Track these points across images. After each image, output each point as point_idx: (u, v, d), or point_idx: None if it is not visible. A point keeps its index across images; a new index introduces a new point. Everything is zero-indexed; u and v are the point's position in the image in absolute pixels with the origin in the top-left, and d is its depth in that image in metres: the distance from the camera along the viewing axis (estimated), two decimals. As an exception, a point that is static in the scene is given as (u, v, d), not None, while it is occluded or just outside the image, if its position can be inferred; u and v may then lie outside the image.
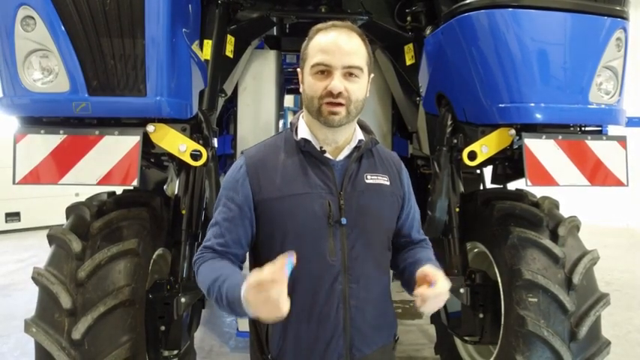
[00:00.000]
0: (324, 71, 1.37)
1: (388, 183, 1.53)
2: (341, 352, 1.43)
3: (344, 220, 1.42)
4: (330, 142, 1.47)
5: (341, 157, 1.49)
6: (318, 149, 1.46)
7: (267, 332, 1.47)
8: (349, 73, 1.37)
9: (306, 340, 1.39)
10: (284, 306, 1.14)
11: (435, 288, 1.31)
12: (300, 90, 1.47)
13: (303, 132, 1.48)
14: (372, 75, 1.49)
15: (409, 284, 1.49)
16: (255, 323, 1.54)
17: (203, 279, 1.40)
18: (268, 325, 1.46)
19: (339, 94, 1.35)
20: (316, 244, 1.41)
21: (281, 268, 1.13)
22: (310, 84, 1.39)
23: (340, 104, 1.36)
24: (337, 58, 1.35)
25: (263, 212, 1.44)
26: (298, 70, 1.49)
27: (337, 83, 1.35)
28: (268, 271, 1.13)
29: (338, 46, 1.36)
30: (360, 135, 1.52)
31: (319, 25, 1.44)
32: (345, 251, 1.42)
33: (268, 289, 1.12)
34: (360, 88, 1.40)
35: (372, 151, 1.56)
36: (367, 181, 1.49)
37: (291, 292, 1.38)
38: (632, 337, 4.34)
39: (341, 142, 1.48)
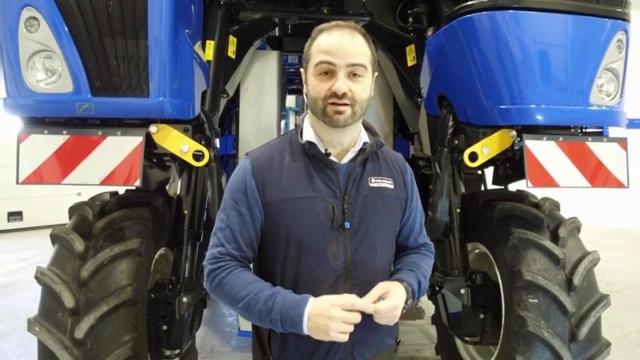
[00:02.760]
0: (328, 71, 1.37)
1: (392, 186, 1.53)
2: (342, 356, 1.44)
3: (347, 225, 1.43)
4: (335, 143, 1.47)
5: (346, 159, 1.48)
6: (323, 152, 1.46)
7: (270, 334, 1.48)
8: (353, 72, 1.36)
9: (307, 342, 1.40)
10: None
11: (379, 304, 1.35)
12: (304, 91, 1.47)
13: (308, 134, 1.47)
14: (377, 74, 1.49)
15: None
16: (258, 325, 1.55)
17: (236, 290, 1.37)
18: None
19: (344, 95, 1.35)
20: (319, 247, 1.42)
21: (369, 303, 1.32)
22: (314, 85, 1.39)
23: (345, 104, 1.36)
24: (341, 58, 1.35)
25: (267, 214, 1.44)
26: (301, 70, 1.48)
27: (341, 84, 1.34)
28: (359, 303, 1.31)
29: (341, 46, 1.35)
30: (365, 137, 1.52)
31: (322, 26, 1.43)
32: (348, 255, 1.43)
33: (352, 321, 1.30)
34: (364, 88, 1.40)
35: (378, 153, 1.56)
36: (371, 185, 1.49)
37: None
38: (633, 339, 4.35)
39: (346, 143, 1.48)
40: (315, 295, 1.34)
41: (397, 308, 1.37)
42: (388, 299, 1.36)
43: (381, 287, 1.38)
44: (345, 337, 1.30)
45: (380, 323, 1.37)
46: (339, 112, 1.37)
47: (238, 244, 1.44)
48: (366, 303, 1.33)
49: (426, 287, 1.55)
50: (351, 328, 1.30)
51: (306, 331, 1.31)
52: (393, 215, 1.54)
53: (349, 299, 1.31)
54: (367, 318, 1.45)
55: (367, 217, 1.46)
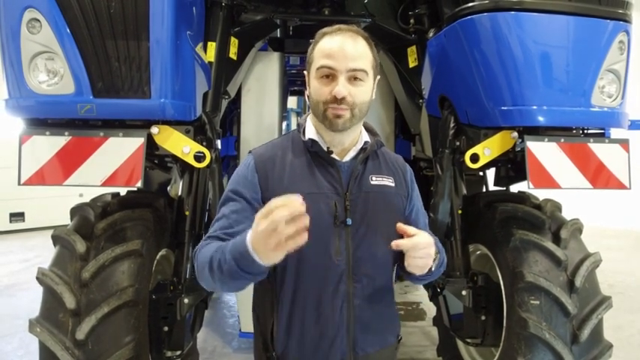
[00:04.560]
0: (329, 75, 1.38)
1: (393, 184, 1.55)
2: (344, 351, 1.44)
3: (349, 221, 1.44)
4: (337, 143, 1.49)
5: (347, 158, 1.50)
6: (325, 150, 1.48)
7: (272, 330, 1.48)
8: (354, 76, 1.38)
9: (310, 338, 1.40)
10: (303, 227, 1.11)
11: (412, 239, 1.32)
12: (306, 93, 1.49)
13: (311, 133, 1.50)
14: (378, 77, 1.50)
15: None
16: (259, 322, 1.55)
17: (203, 258, 1.35)
18: (273, 323, 1.48)
19: (343, 99, 1.36)
20: (321, 243, 1.42)
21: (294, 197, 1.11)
22: (316, 88, 1.41)
23: (344, 108, 1.38)
24: (342, 62, 1.37)
25: None
26: (305, 72, 1.50)
27: (341, 88, 1.36)
28: (278, 198, 1.11)
29: (343, 50, 1.37)
30: (365, 137, 1.54)
31: (325, 29, 1.45)
32: (350, 251, 1.44)
33: (282, 212, 1.08)
34: (364, 92, 1.41)
35: (378, 153, 1.57)
36: (373, 183, 1.50)
37: (296, 291, 1.42)
38: (635, 340, 4.34)
39: (347, 143, 1.50)
40: (318, 291, 1.35)
41: (431, 246, 1.36)
42: (423, 235, 1.34)
43: (414, 229, 1.37)
44: (290, 243, 1.11)
45: (412, 266, 1.35)
46: (339, 116, 1.38)
47: (232, 232, 1.40)
48: (282, 198, 1.13)
49: (444, 259, 1.55)
50: (285, 229, 1.10)
51: (259, 260, 1.18)
52: (395, 213, 1.54)
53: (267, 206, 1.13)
54: (369, 316, 1.45)
55: (369, 214, 1.47)
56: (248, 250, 1.18)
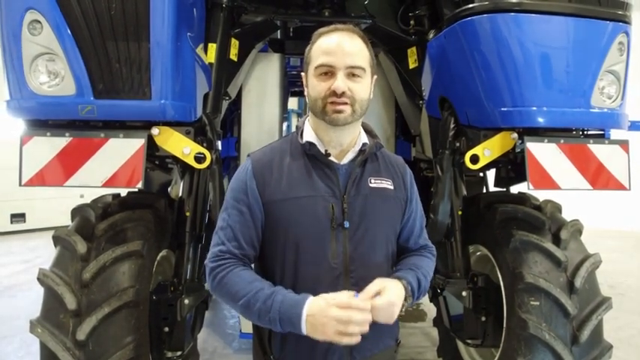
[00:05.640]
0: (328, 72, 1.40)
1: (392, 187, 1.55)
2: (342, 354, 1.44)
3: (347, 224, 1.44)
4: (335, 144, 1.49)
5: (345, 160, 1.50)
6: (323, 152, 1.48)
7: (270, 334, 1.49)
8: (352, 73, 1.39)
9: (307, 341, 1.41)
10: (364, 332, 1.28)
11: (374, 300, 1.33)
12: (305, 93, 1.50)
13: (309, 135, 1.50)
14: (376, 77, 1.51)
15: None
16: (258, 324, 1.56)
17: (236, 289, 1.38)
18: None
19: (343, 94, 1.38)
20: (318, 246, 1.43)
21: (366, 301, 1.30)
22: (314, 85, 1.42)
23: (344, 103, 1.39)
24: (340, 59, 1.38)
25: (268, 214, 1.46)
26: (302, 74, 1.51)
27: (340, 83, 1.37)
28: (355, 302, 1.28)
29: (340, 48, 1.39)
30: (364, 138, 1.54)
31: (322, 29, 1.47)
32: (347, 254, 1.44)
33: (359, 316, 1.27)
34: (363, 88, 1.42)
35: (377, 155, 1.57)
36: (371, 185, 1.50)
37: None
38: (635, 341, 4.33)
39: (346, 144, 1.50)
40: (315, 293, 1.35)
41: (394, 305, 1.36)
42: (384, 295, 1.34)
43: (377, 284, 1.37)
44: (345, 339, 1.27)
45: (378, 321, 1.35)
46: (339, 111, 1.39)
47: (239, 243, 1.45)
48: (362, 301, 1.30)
49: (426, 287, 1.55)
50: (352, 329, 1.26)
51: (304, 330, 1.30)
52: (393, 215, 1.55)
53: (345, 299, 1.29)
54: None
55: (367, 217, 1.47)
56: (300, 322, 1.29)
